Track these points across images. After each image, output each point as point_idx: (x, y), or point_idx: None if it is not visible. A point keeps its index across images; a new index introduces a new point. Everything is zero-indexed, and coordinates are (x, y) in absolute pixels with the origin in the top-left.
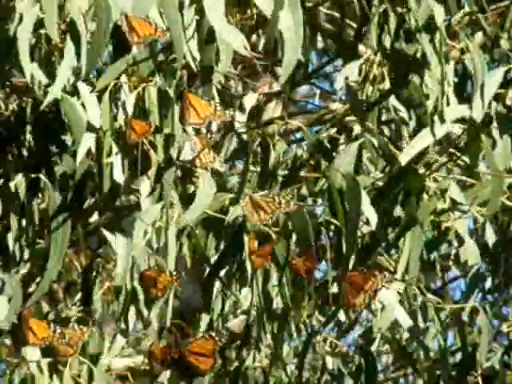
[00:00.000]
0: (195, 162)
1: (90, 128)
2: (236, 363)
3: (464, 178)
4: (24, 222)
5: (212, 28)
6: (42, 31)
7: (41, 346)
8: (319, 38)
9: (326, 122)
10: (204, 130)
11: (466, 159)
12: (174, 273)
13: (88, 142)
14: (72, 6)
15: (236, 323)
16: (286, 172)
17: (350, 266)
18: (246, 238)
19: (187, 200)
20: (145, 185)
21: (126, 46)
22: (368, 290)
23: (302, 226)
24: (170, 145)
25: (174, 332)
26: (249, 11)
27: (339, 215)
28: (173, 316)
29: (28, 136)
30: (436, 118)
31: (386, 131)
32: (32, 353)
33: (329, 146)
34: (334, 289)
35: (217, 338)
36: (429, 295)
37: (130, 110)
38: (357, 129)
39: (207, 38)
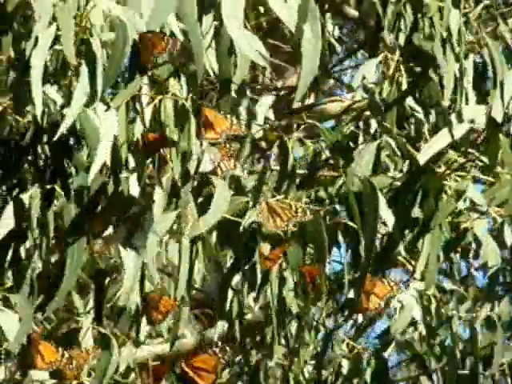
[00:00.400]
0: (215, 171)
1: (105, 140)
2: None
3: (483, 177)
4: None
5: (230, 37)
6: (58, 47)
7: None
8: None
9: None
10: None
11: (485, 159)
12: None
13: (103, 155)
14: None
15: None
16: (305, 171)
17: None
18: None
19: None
20: (159, 196)
21: (142, 63)
22: (381, 296)
23: (318, 236)
24: (187, 159)
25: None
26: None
27: (356, 219)
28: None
29: (44, 147)
30: (453, 117)
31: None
32: (39, 374)
33: (349, 143)
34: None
35: (219, 355)
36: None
37: (146, 122)
38: (375, 127)
39: (226, 48)
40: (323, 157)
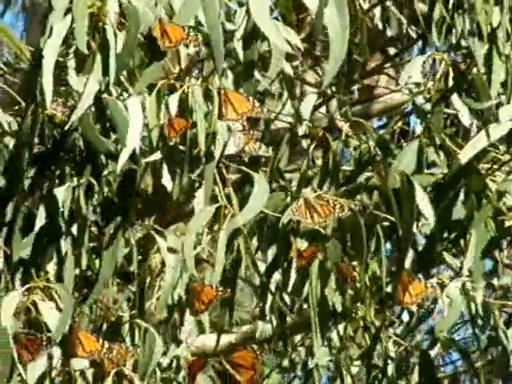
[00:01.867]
0: (240, 155)
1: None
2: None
3: None
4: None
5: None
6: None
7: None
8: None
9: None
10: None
11: None
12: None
13: (133, 144)
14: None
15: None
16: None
17: (408, 265)
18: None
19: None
20: (199, 191)
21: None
22: (418, 293)
23: (356, 233)
24: (210, 142)
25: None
26: None
27: (395, 216)
28: None
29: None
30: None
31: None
32: (79, 363)
33: (393, 139)
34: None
35: (258, 352)
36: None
37: (173, 109)
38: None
39: (250, 35)
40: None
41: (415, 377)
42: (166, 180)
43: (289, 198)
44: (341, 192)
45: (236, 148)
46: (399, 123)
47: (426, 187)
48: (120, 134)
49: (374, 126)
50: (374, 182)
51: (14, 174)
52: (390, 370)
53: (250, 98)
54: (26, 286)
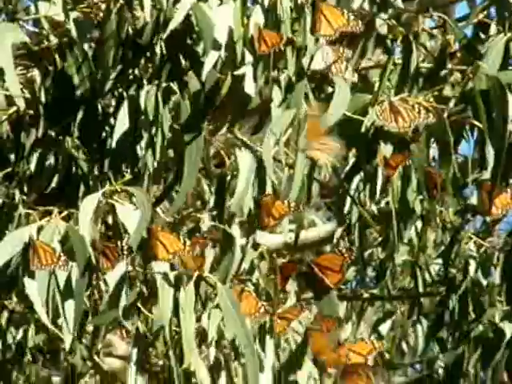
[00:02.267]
0: (327, 71)
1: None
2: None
3: None
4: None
5: None
6: None
7: (170, 261)
8: None
9: None
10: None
11: None
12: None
13: (218, 51)
14: None
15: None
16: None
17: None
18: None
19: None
20: (276, 93)
21: None
22: (506, 204)
23: (442, 137)
24: (301, 56)
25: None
26: None
27: (482, 119)
28: None
29: (161, 44)
30: None
31: None
32: (160, 266)
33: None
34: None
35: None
36: None
37: (261, 19)
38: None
39: None
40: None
41: (497, 277)
42: (249, 86)
43: (371, 100)
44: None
45: (323, 63)
46: (480, 15)
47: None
48: (204, 40)
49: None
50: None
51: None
52: (472, 270)
53: (345, 12)
54: (104, 189)
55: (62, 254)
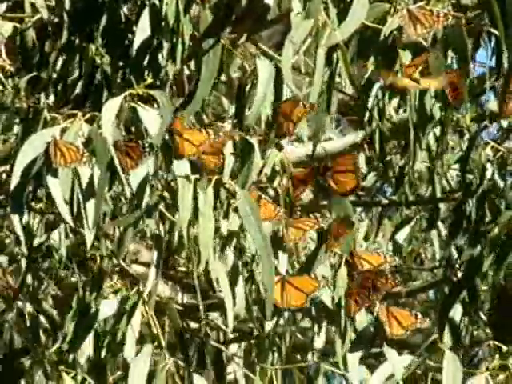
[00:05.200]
0: None
1: None
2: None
3: None
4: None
5: None
6: None
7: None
8: None
9: None
10: None
11: None
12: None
13: None
14: None
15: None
16: None
17: None
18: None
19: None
20: (295, 3)
21: None
22: None
23: (460, 41)
24: None
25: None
26: None
27: (498, 23)
28: None
29: None
30: None
31: None
32: (181, 167)
33: None
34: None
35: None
36: None
37: None
38: None
39: None
40: None
41: None
42: None
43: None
44: None
45: None
46: None
47: None
48: None
49: None
50: None
51: None
52: (489, 174)
53: None
54: (126, 92)
55: (85, 151)
